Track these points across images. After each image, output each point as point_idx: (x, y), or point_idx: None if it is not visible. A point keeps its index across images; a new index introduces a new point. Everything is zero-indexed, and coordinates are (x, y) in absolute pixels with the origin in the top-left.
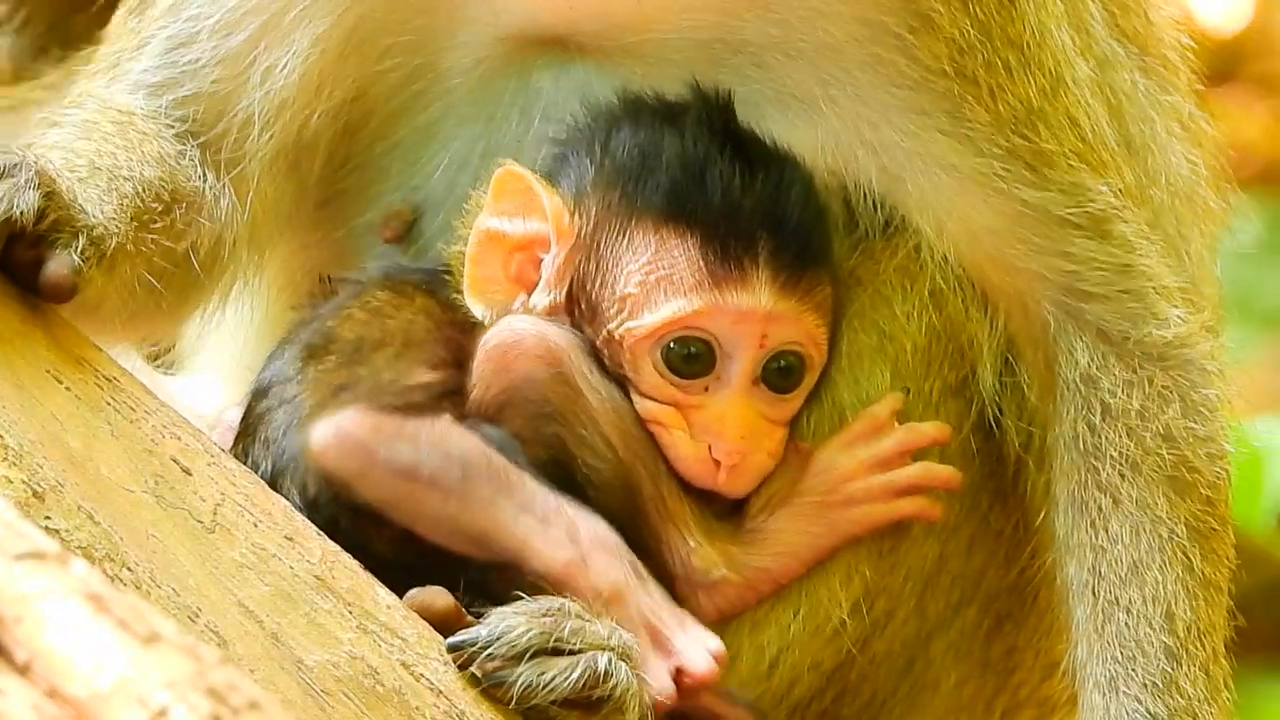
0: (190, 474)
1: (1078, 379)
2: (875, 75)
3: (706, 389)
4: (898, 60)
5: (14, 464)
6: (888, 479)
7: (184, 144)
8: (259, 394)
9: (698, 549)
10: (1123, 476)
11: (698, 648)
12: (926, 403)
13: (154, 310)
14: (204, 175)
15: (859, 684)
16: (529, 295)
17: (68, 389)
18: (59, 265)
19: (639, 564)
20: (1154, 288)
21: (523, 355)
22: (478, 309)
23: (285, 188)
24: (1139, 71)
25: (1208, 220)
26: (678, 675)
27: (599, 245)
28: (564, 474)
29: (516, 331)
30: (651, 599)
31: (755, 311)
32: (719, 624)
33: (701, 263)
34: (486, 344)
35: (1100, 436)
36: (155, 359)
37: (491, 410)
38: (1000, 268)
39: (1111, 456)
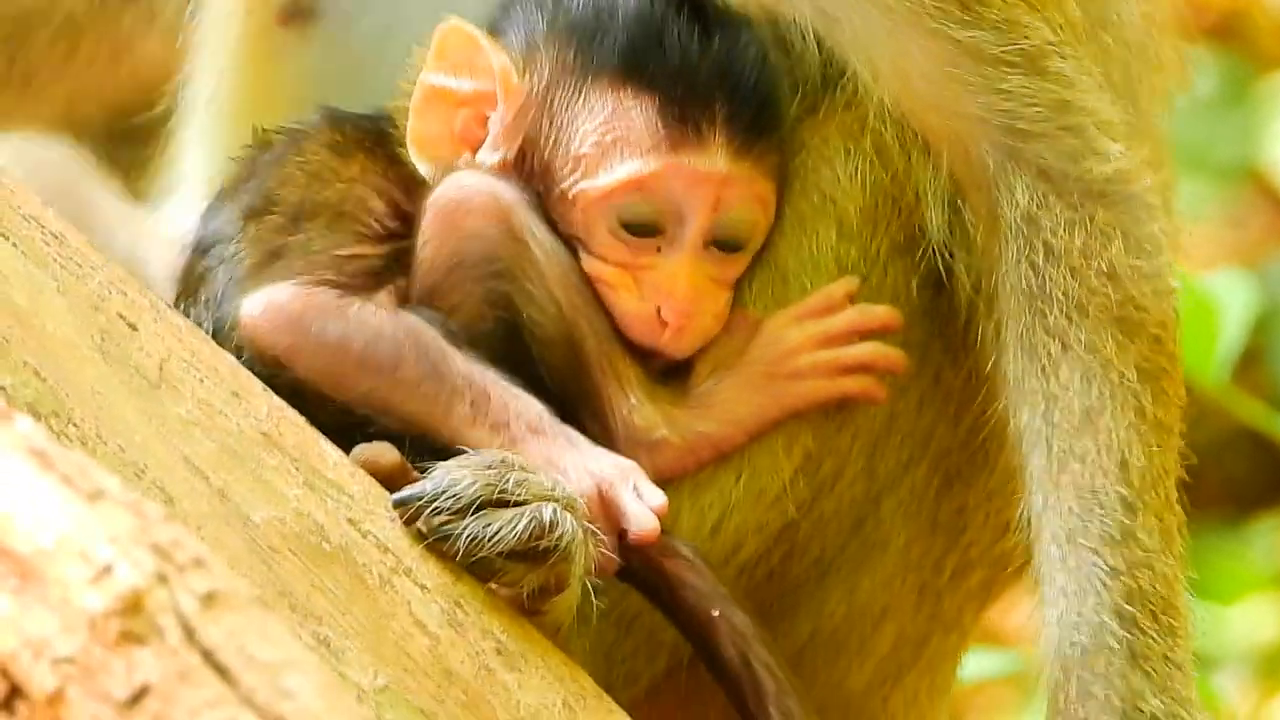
0: (136, 330)
1: (1019, 219)
2: None
3: (658, 249)
4: None
5: None
6: (835, 355)
7: None
8: (199, 251)
9: (639, 407)
10: (1070, 319)
11: (642, 510)
12: (873, 262)
13: None
14: None
15: (806, 543)
16: (474, 153)
17: (14, 245)
18: None
19: (576, 434)
20: (1094, 123)
21: (471, 212)
22: (422, 166)
23: None
24: None
25: (1159, 73)
26: (620, 534)
27: (552, 104)
28: (508, 340)
29: (464, 188)
30: (592, 466)
31: (711, 175)
32: (659, 485)
33: (659, 124)
34: (435, 202)
35: (1044, 278)
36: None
37: (441, 271)
38: (937, 111)
39: (1057, 298)
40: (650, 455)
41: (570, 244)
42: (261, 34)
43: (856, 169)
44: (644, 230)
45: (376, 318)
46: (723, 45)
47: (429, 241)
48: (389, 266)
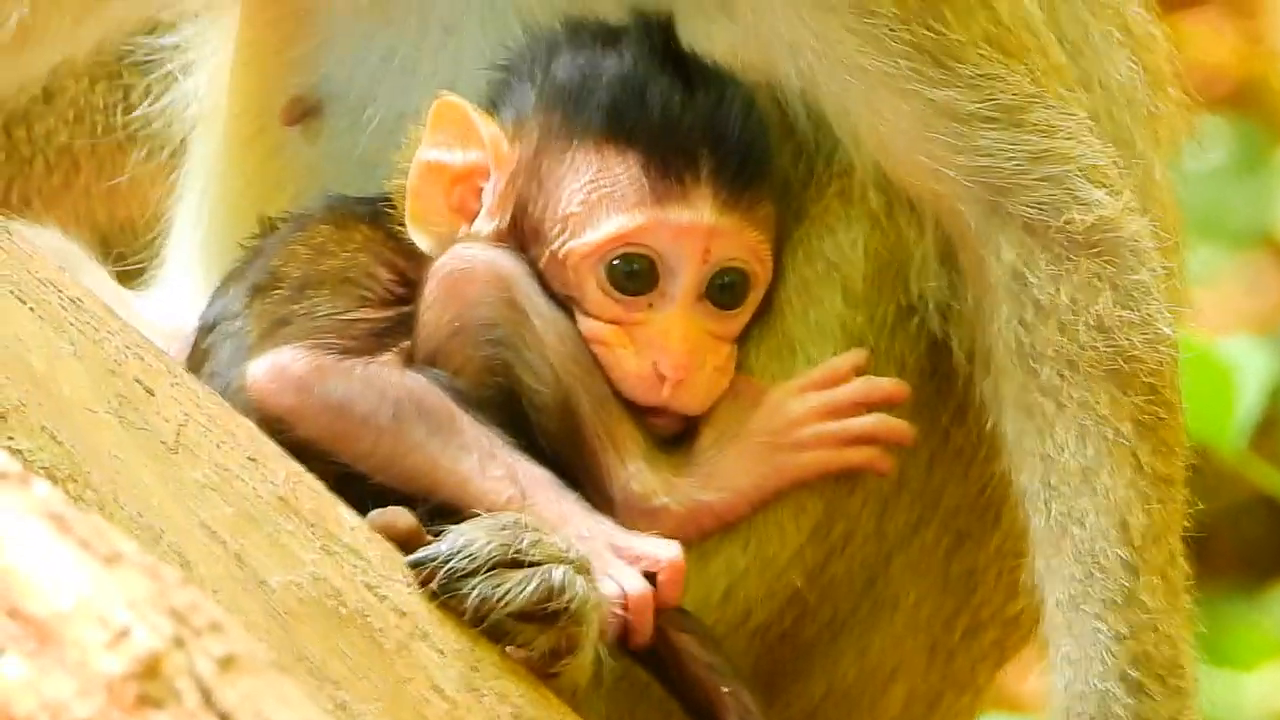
0: (153, 394)
1: (1007, 276)
2: None
3: (650, 305)
4: None
5: None
6: (839, 427)
7: None
8: (204, 330)
9: (638, 474)
10: (1062, 377)
11: (661, 543)
12: (880, 327)
13: None
14: None
15: (818, 606)
16: (470, 225)
17: (31, 309)
18: None
19: (582, 500)
20: (1075, 170)
21: (473, 281)
22: (421, 241)
23: None
24: None
25: (1153, 124)
26: (650, 574)
27: (540, 168)
28: (510, 405)
29: (466, 259)
30: (602, 524)
31: (697, 227)
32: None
33: (643, 179)
34: (438, 272)
35: (1035, 335)
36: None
37: (443, 337)
38: (917, 171)
39: (1048, 356)
40: (650, 523)
41: (567, 306)
42: (262, 134)
43: (858, 236)
44: (635, 287)
45: (380, 377)
46: (706, 99)
47: (431, 307)
48: (393, 330)
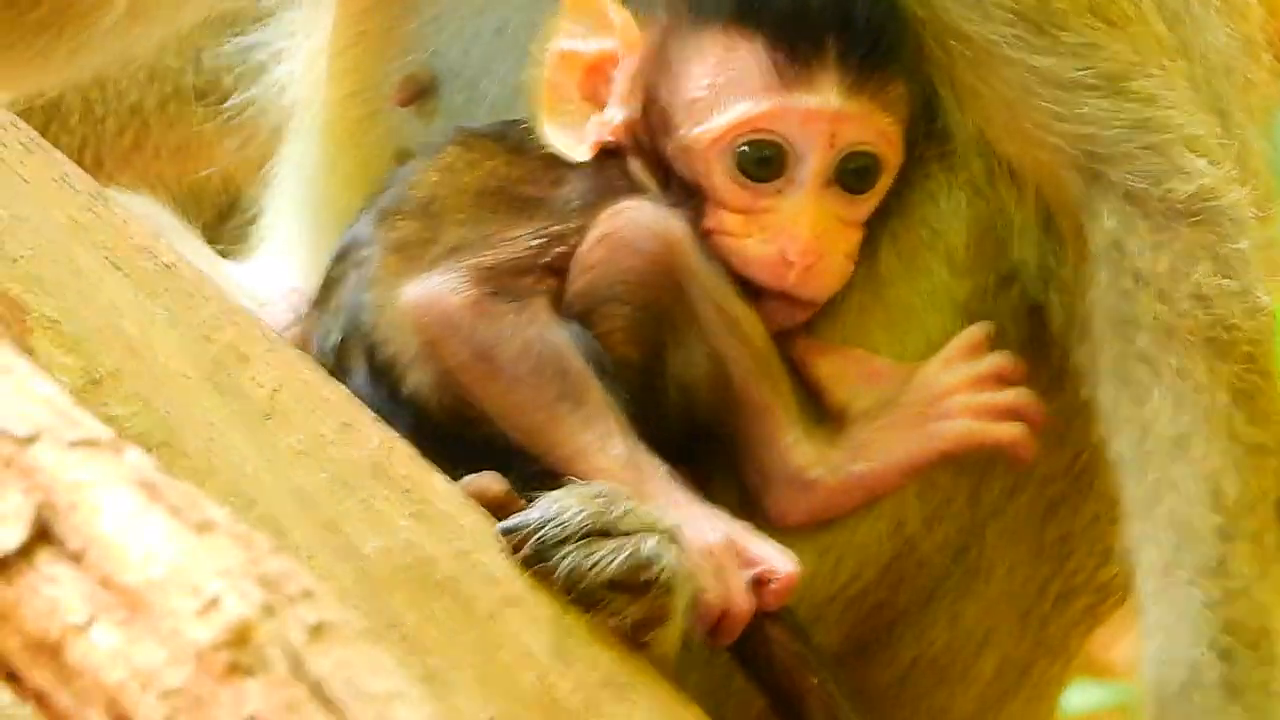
0: (248, 361)
1: (1107, 244)
2: None
3: (779, 191)
4: None
5: (71, 350)
6: (989, 398)
7: None
8: (337, 259)
9: (796, 444)
10: (1160, 345)
11: (779, 553)
12: (983, 296)
13: None
14: None
15: (915, 573)
16: (602, 113)
17: (125, 276)
18: None
19: (697, 495)
20: (1178, 139)
21: (639, 252)
22: (554, 135)
23: None
24: None
25: (1250, 93)
26: (758, 585)
27: (668, 53)
28: (648, 378)
29: (635, 222)
30: (719, 518)
31: (823, 111)
32: (804, 528)
33: (770, 63)
34: (605, 231)
35: (1134, 303)
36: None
37: (599, 299)
38: (1020, 139)
39: (1146, 324)
40: (805, 495)
41: (698, 195)
42: (374, 116)
43: (960, 203)
44: (762, 173)
45: (529, 329)
46: None
47: (593, 268)
48: (545, 266)
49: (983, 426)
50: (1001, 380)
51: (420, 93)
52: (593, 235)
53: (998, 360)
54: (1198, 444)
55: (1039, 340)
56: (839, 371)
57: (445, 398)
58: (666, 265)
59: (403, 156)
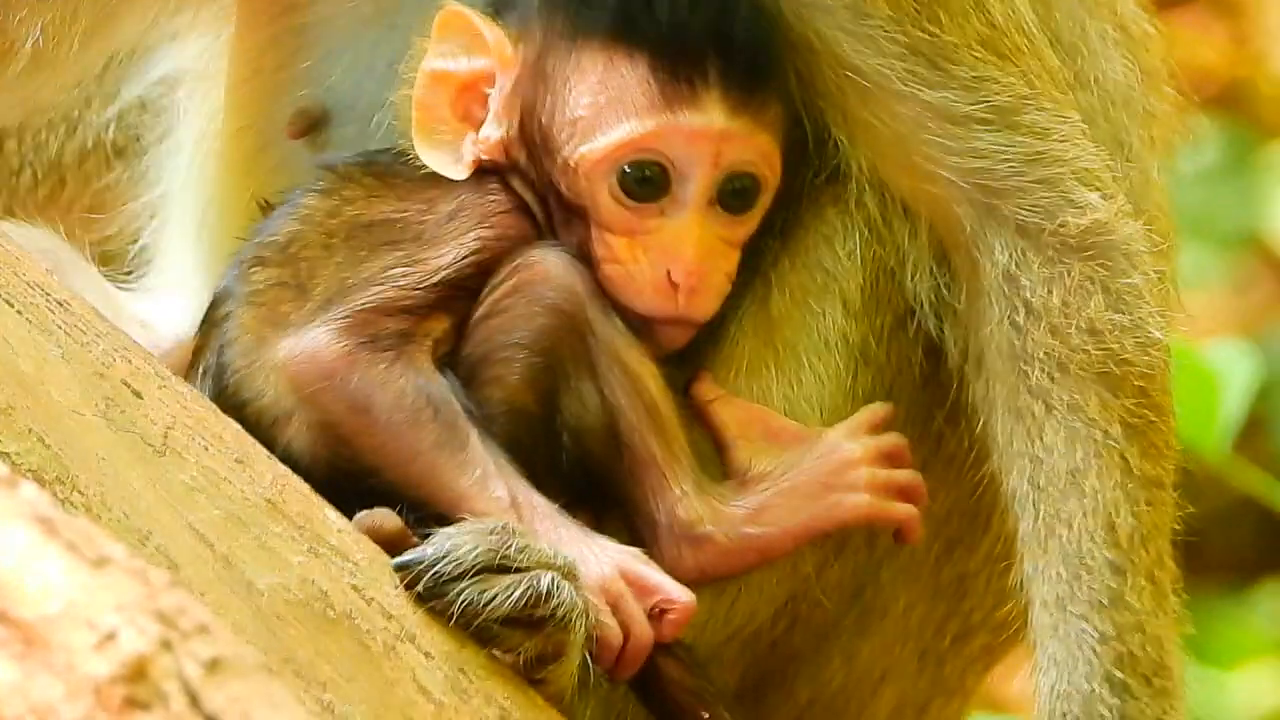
0: (141, 397)
1: (1000, 278)
2: None
3: (662, 212)
4: None
5: None
6: (889, 475)
7: None
8: (204, 320)
9: (685, 498)
10: (1052, 379)
11: (672, 582)
12: (878, 337)
13: None
14: None
15: (809, 613)
16: (477, 132)
17: (18, 312)
18: None
19: (584, 527)
20: (1070, 172)
21: (546, 297)
22: (426, 154)
23: None
24: None
25: (1149, 125)
26: (658, 613)
27: (547, 71)
28: (536, 425)
29: (548, 274)
30: (613, 548)
31: (708, 130)
32: (694, 584)
33: (652, 83)
34: (516, 276)
35: (1026, 338)
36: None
37: (498, 342)
38: (913, 174)
39: (1039, 359)
40: (694, 550)
41: (578, 218)
42: (267, 149)
43: (854, 245)
44: (645, 193)
45: (402, 379)
46: (713, 3)
47: (498, 314)
48: (416, 298)
49: (882, 503)
50: (900, 459)
51: (312, 125)
52: (502, 283)
53: (897, 439)
54: (1091, 478)
55: (934, 380)
56: (742, 428)
57: (322, 450)
58: (570, 316)
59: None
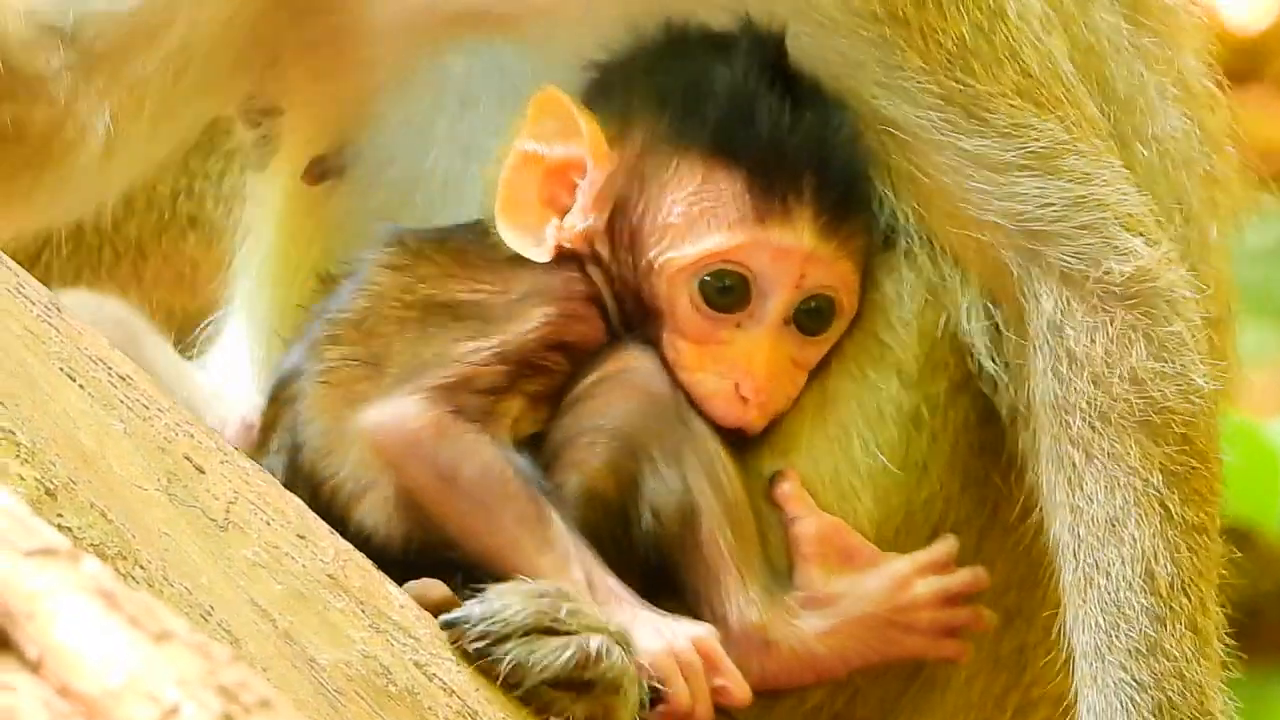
0: (203, 472)
1: (1045, 328)
2: (807, 24)
3: (738, 324)
4: (828, 7)
5: (27, 461)
6: (949, 615)
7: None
8: (271, 399)
9: (755, 602)
10: (1093, 428)
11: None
12: (934, 406)
13: None
14: (60, 67)
15: (869, 687)
16: (561, 219)
17: (81, 386)
18: None
19: (658, 610)
20: (1113, 218)
21: (638, 387)
22: (508, 234)
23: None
24: (1125, 20)
25: (1210, 186)
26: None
27: (643, 173)
28: (614, 511)
29: (639, 368)
30: (687, 623)
31: (796, 250)
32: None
33: (747, 196)
34: (613, 368)
35: (1069, 387)
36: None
37: (586, 428)
38: (958, 222)
39: (1081, 408)
40: (756, 654)
41: (653, 318)
42: (292, 198)
43: (910, 314)
44: (726, 304)
45: (488, 450)
46: (813, 122)
47: (589, 398)
48: (501, 376)
49: (935, 644)
50: (966, 597)
51: (327, 173)
52: (594, 370)
53: (966, 577)
54: (1129, 526)
55: (992, 444)
56: (819, 543)
57: (402, 522)
58: (662, 405)
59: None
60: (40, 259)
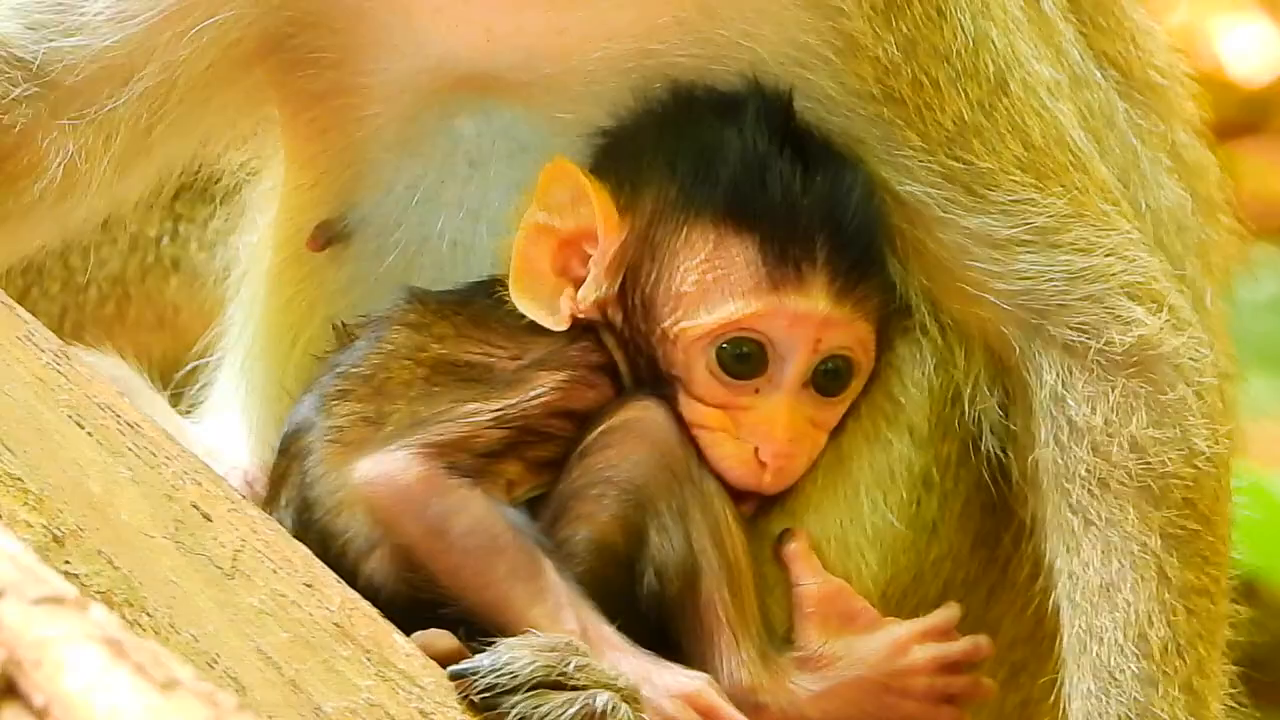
0: (210, 520)
1: (1048, 398)
2: (807, 101)
3: (757, 390)
4: (826, 85)
5: (34, 508)
6: (946, 683)
7: (21, 82)
8: (281, 451)
9: (749, 663)
10: (1092, 495)
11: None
12: (944, 466)
13: None
14: (32, 115)
15: None
16: (575, 289)
17: (89, 434)
18: None
19: (656, 657)
20: (1116, 287)
21: (646, 438)
22: (523, 304)
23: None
24: (1120, 96)
25: (1204, 252)
26: None
27: (654, 241)
28: (615, 558)
29: (651, 420)
30: (691, 673)
31: (812, 315)
32: None
33: (760, 263)
34: (622, 419)
35: (1069, 455)
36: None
37: (594, 480)
38: (961, 298)
39: (1080, 475)
40: (750, 717)
41: (668, 385)
42: (292, 261)
43: (922, 374)
44: (744, 371)
45: (479, 505)
46: (826, 185)
47: (598, 450)
48: (501, 442)
49: (931, 710)
50: (965, 665)
51: (332, 239)
52: (603, 422)
53: (966, 646)
54: (1124, 591)
55: (1004, 506)
56: (821, 604)
57: (401, 576)
58: (672, 459)
59: (316, 311)
60: (28, 295)
